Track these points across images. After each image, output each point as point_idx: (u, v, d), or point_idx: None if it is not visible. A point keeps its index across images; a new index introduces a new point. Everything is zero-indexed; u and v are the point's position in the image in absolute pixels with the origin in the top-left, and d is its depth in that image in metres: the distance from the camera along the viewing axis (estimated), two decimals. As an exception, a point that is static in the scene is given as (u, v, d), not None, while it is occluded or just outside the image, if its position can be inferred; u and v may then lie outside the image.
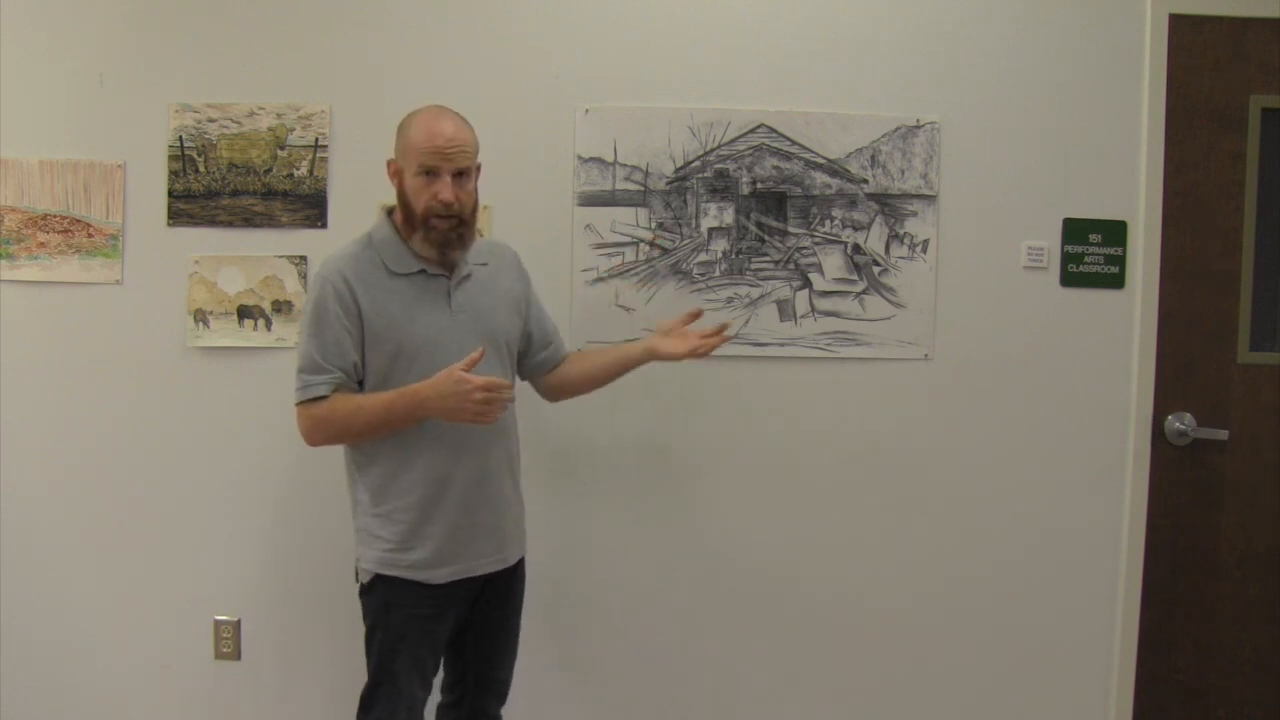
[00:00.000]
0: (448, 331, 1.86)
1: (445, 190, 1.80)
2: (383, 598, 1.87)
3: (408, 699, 1.87)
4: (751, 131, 2.38)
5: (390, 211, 1.92)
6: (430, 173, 1.80)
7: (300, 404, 1.84)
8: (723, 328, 2.02)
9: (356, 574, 1.93)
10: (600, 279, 2.39)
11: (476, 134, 1.88)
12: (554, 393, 2.14)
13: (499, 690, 2.06)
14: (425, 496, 1.85)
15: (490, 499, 1.92)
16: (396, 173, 1.87)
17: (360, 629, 1.92)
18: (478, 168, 1.90)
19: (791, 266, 2.41)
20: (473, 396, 1.74)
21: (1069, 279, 2.43)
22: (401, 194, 1.86)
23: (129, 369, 2.39)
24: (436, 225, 1.81)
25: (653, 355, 2.03)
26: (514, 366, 2.02)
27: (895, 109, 2.40)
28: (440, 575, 1.87)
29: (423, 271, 1.86)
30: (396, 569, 1.86)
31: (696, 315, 2.06)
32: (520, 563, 2.06)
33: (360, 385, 1.86)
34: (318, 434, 1.85)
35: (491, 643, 2.02)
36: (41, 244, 2.38)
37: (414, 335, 1.83)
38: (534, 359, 2.09)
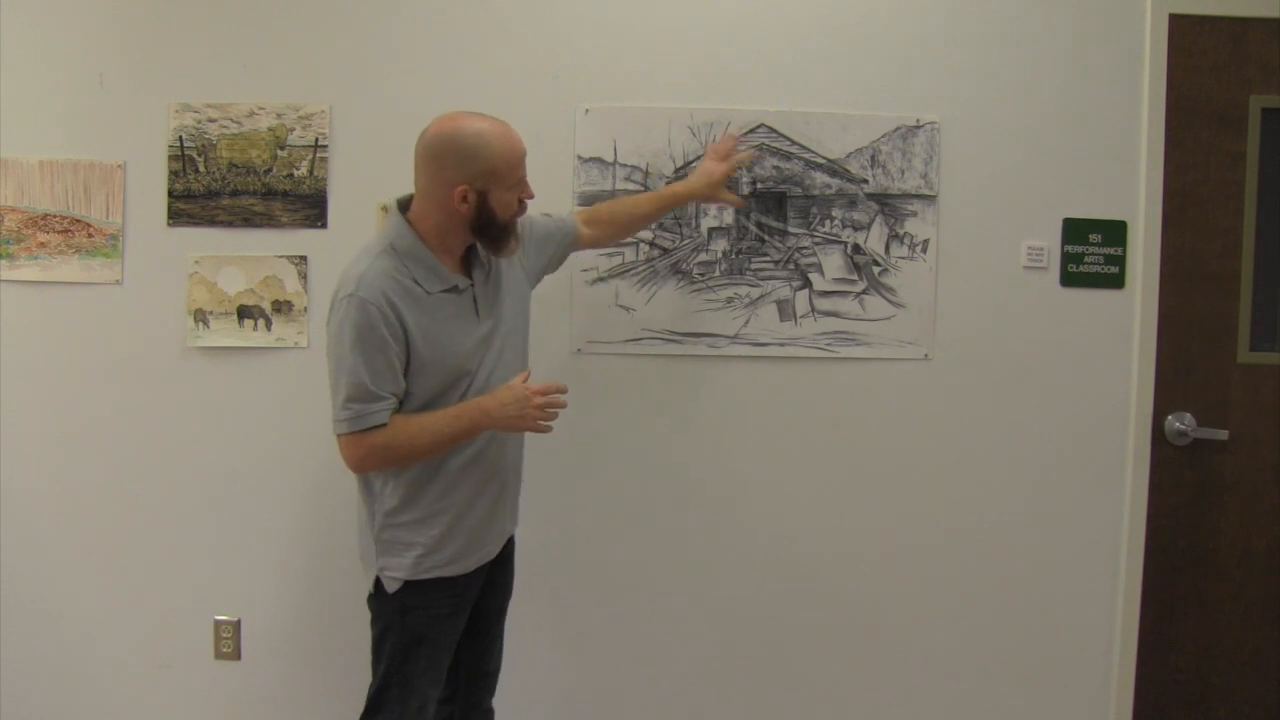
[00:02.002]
0: (483, 341, 1.85)
1: (529, 186, 1.85)
2: (399, 601, 1.84)
3: (419, 700, 1.86)
4: (751, 131, 2.38)
5: (404, 213, 1.83)
6: (521, 180, 1.83)
7: (351, 434, 1.74)
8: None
9: (379, 583, 1.86)
10: (600, 279, 2.39)
11: None
12: (590, 245, 2.24)
13: (490, 683, 2.08)
14: (463, 497, 1.85)
15: (508, 488, 1.97)
16: (474, 193, 1.76)
17: (362, 629, 1.91)
18: None
19: (791, 266, 2.41)
20: (533, 403, 1.79)
21: (1069, 279, 2.43)
22: (484, 212, 1.78)
23: (129, 369, 2.39)
24: (514, 224, 1.85)
25: (708, 183, 2.20)
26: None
27: (895, 109, 2.40)
28: (466, 565, 1.88)
29: (455, 287, 1.83)
30: (432, 570, 1.84)
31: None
32: (511, 550, 2.08)
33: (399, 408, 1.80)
34: (374, 461, 1.78)
35: (485, 636, 2.03)
36: (41, 244, 2.38)
37: (459, 355, 1.81)
38: (558, 254, 2.13)
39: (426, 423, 1.77)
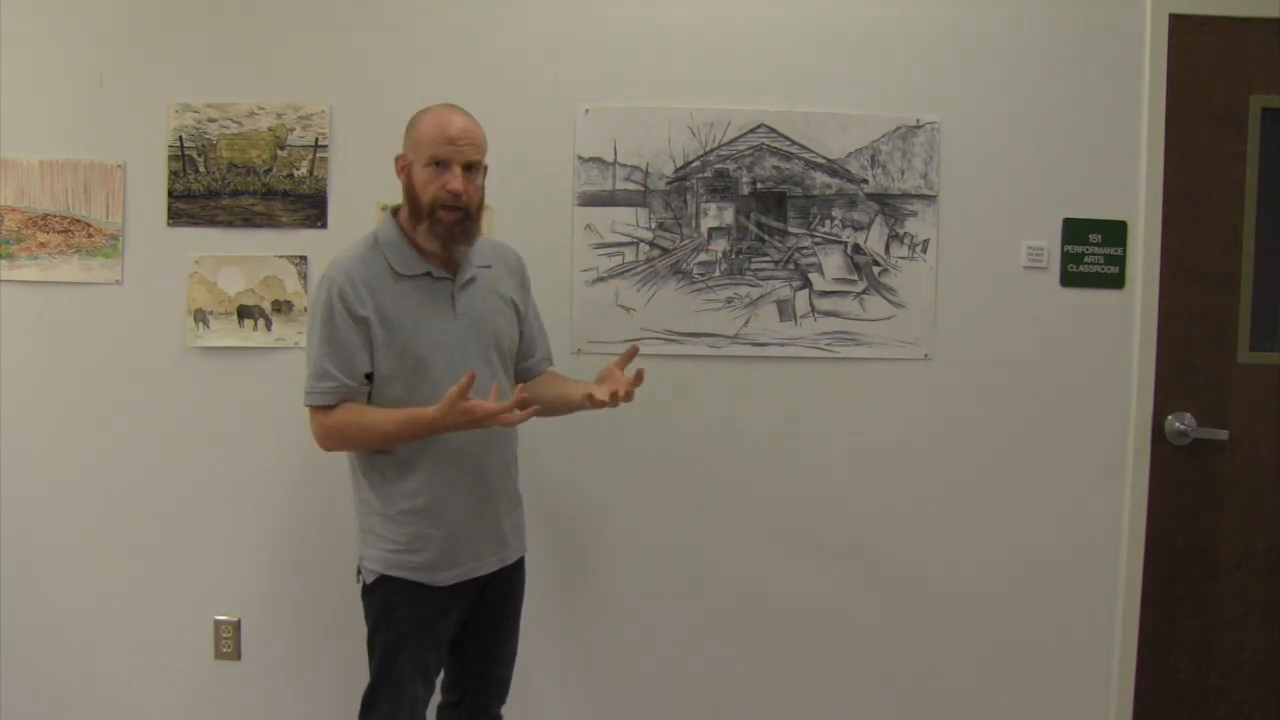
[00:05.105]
0: (452, 335, 1.86)
1: (455, 180, 1.81)
2: (384, 598, 1.87)
3: (410, 699, 1.88)
4: (751, 131, 2.38)
5: (395, 212, 1.92)
6: (440, 164, 1.81)
7: (312, 408, 1.84)
8: (638, 376, 1.86)
9: (359, 572, 1.93)
10: (600, 279, 2.39)
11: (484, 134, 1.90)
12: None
13: (499, 689, 2.06)
14: (430, 501, 1.85)
15: (491, 502, 1.93)
16: (405, 167, 1.87)
17: (361, 629, 1.92)
18: (485, 168, 1.91)
19: (791, 266, 2.41)
20: (477, 416, 1.71)
21: (1069, 279, 2.43)
22: (409, 187, 1.86)
23: (129, 369, 2.39)
24: (442, 217, 1.82)
25: (588, 403, 1.86)
26: (512, 368, 2.03)
27: (895, 109, 2.40)
28: (445, 578, 1.87)
29: (428, 274, 1.87)
30: (403, 570, 1.86)
31: (632, 355, 1.92)
32: (520, 562, 2.06)
33: (368, 379, 1.84)
34: (331, 442, 1.86)
35: (493, 641, 2.02)
36: (41, 244, 2.38)
37: (420, 340, 1.83)
38: (517, 367, 2.07)
39: (377, 420, 1.80)
